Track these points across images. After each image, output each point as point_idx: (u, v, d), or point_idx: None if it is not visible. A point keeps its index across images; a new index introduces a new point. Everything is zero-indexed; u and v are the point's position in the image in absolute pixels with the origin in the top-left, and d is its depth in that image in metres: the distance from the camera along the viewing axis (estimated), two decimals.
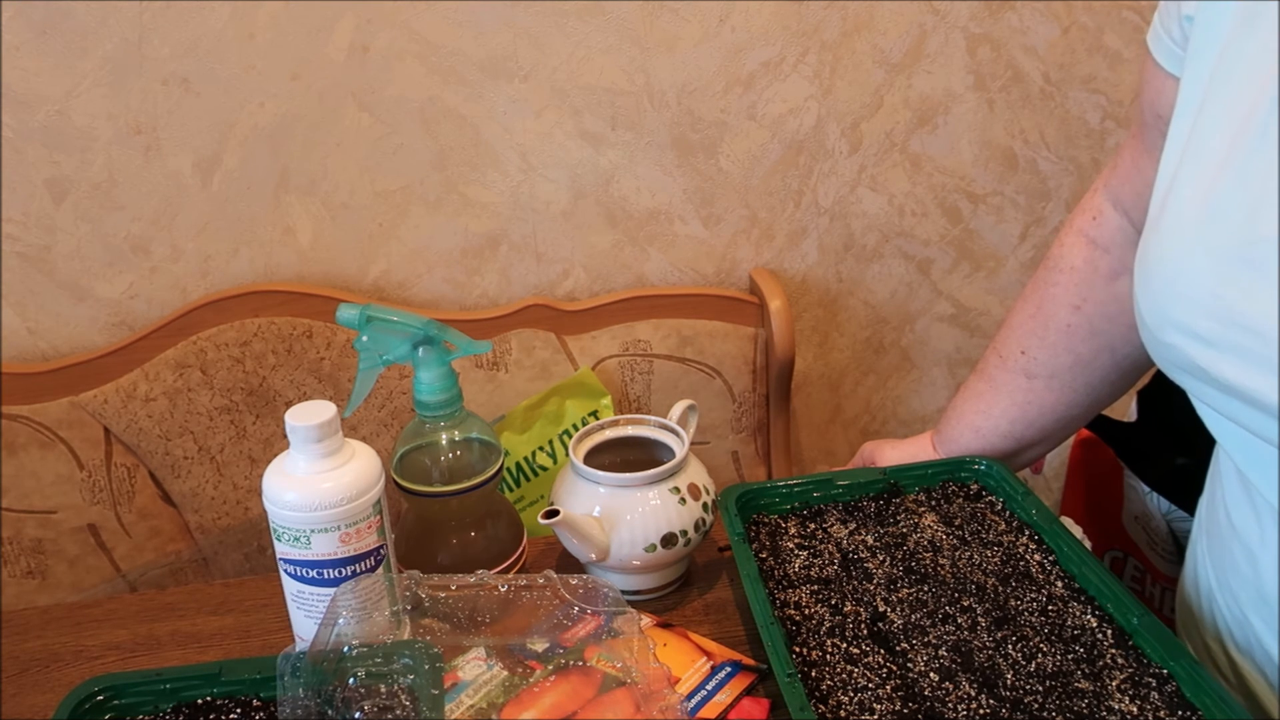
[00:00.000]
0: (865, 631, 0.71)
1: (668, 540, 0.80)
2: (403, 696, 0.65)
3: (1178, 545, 0.97)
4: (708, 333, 1.22)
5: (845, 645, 0.69)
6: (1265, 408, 0.52)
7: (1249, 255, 0.52)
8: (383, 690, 0.65)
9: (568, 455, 0.85)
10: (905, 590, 0.74)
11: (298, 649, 0.65)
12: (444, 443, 0.83)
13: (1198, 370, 0.56)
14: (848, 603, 0.73)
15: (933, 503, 0.84)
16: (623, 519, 0.80)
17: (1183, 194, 0.57)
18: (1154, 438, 1.00)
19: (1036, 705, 0.64)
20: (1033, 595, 0.73)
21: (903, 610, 0.72)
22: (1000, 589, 0.74)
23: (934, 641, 0.69)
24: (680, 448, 0.84)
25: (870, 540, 0.80)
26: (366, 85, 1.10)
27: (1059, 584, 0.74)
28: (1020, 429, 0.86)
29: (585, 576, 0.74)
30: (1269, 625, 0.64)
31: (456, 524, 0.85)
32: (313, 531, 0.70)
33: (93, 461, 1.12)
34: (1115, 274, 0.79)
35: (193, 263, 1.14)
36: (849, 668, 0.67)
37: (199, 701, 0.68)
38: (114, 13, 1.02)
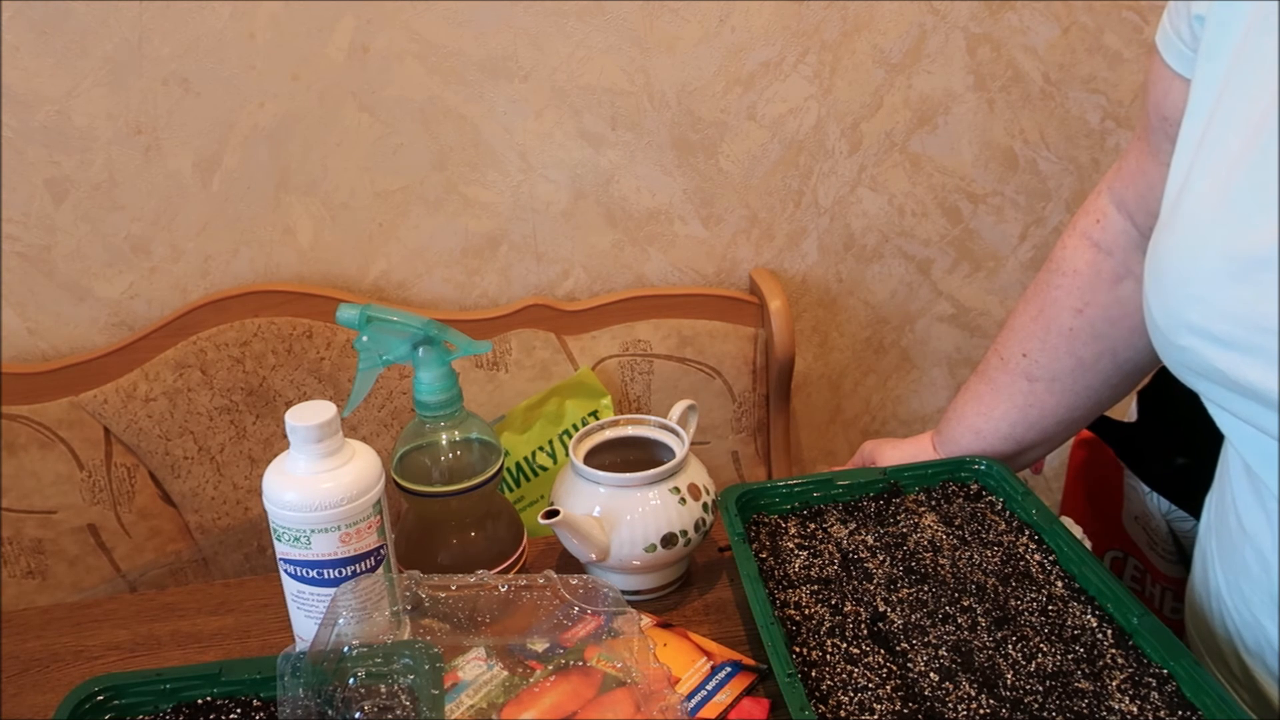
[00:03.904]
0: (865, 631, 0.71)
1: (668, 540, 0.80)
2: (403, 696, 0.65)
3: (1178, 545, 0.97)
4: (708, 333, 1.22)
5: (845, 645, 0.69)
6: None
7: (1267, 254, 0.51)
8: (383, 690, 0.65)
9: (568, 455, 0.85)
10: (905, 590, 0.74)
11: (298, 649, 0.65)
12: (444, 443, 0.83)
13: (1214, 373, 0.55)
14: (848, 603, 0.73)
15: (933, 503, 0.84)
16: (623, 519, 0.80)
17: (1196, 194, 0.57)
18: (1154, 438, 1.00)
19: (1036, 705, 0.64)
20: (1033, 595, 0.73)
21: (903, 610, 0.72)
22: (1000, 589, 0.74)
23: (934, 641, 0.69)
24: (680, 448, 0.84)
25: (870, 540, 0.80)
26: (366, 85, 1.10)
27: (1059, 584, 0.74)
28: (1021, 431, 0.86)
29: (585, 576, 0.74)
30: None
31: (456, 524, 0.85)
32: (313, 531, 0.70)
33: (93, 461, 1.12)
34: (1118, 277, 0.79)
35: (193, 263, 1.14)
36: (849, 668, 0.67)
37: (199, 701, 0.68)
38: (114, 13, 1.02)
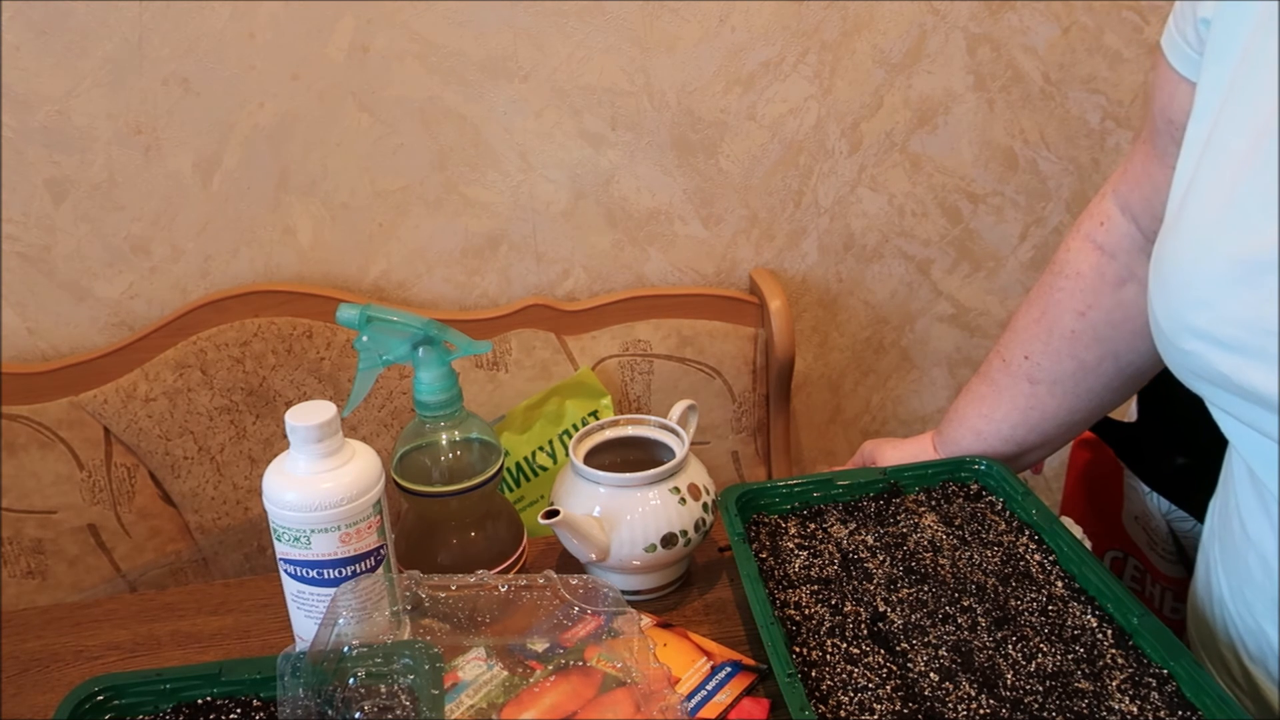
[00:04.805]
0: (865, 631, 0.71)
1: (668, 540, 0.80)
2: (403, 696, 0.65)
3: (1178, 545, 0.97)
4: (708, 333, 1.22)
5: (845, 645, 0.69)
6: None
7: (1270, 258, 0.51)
8: (383, 690, 0.65)
9: (568, 455, 0.85)
10: (905, 590, 0.74)
11: (298, 649, 0.65)
12: (444, 443, 0.83)
13: (1220, 378, 0.55)
14: (848, 603, 0.73)
15: (933, 503, 0.84)
16: (623, 519, 0.80)
17: (1202, 197, 0.56)
18: (1154, 438, 1.00)
19: (1036, 705, 0.64)
20: (1033, 595, 0.73)
21: (903, 610, 0.72)
22: (1000, 589, 0.74)
23: (934, 641, 0.69)
24: (680, 448, 0.84)
25: (870, 540, 0.80)
26: (366, 85, 1.10)
27: (1059, 584, 0.74)
28: (1022, 433, 0.86)
29: (585, 576, 0.74)
30: None
31: (456, 524, 0.85)
32: (313, 531, 0.70)
33: (93, 461, 1.12)
34: (1122, 280, 0.78)
35: (193, 263, 1.14)
36: (849, 668, 0.67)
37: (199, 701, 0.68)
38: (114, 13, 1.02)
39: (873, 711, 0.63)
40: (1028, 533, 0.80)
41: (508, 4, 1.09)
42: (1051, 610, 0.72)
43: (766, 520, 0.83)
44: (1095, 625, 0.70)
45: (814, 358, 1.34)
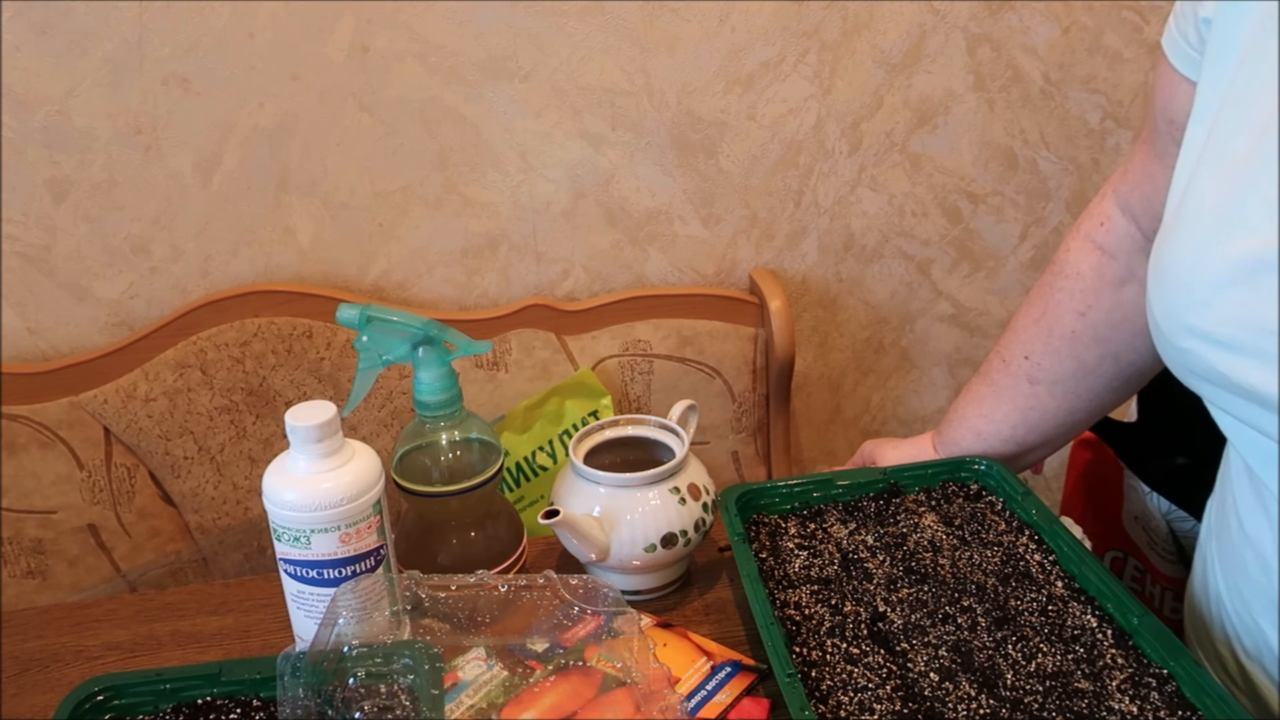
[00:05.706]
0: (865, 631, 0.71)
1: (668, 540, 0.80)
2: (403, 696, 0.65)
3: (1178, 545, 0.97)
4: (708, 333, 1.22)
5: (845, 645, 0.69)
6: None
7: (1269, 258, 0.51)
8: (383, 690, 0.65)
9: (568, 455, 0.85)
10: (905, 590, 0.74)
11: (298, 649, 0.65)
12: (444, 443, 0.83)
13: (1217, 376, 0.55)
14: (848, 603, 0.73)
15: (933, 503, 0.84)
16: (623, 519, 0.80)
17: (1201, 197, 0.56)
18: (1154, 438, 1.00)
19: (1036, 705, 0.64)
20: (1033, 595, 0.73)
21: (903, 610, 0.72)
22: (1000, 589, 0.74)
23: (934, 641, 0.69)
24: (680, 448, 0.84)
25: (870, 540, 0.80)
26: (366, 85, 1.10)
27: (1059, 584, 0.74)
28: (1022, 434, 0.86)
29: (585, 576, 0.74)
30: None
31: (456, 524, 0.85)
32: (313, 531, 0.70)
33: (93, 461, 1.12)
34: (1122, 281, 0.78)
35: (193, 263, 1.14)
36: (849, 668, 0.67)
37: (199, 701, 0.68)
38: (114, 13, 1.02)
39: (873, 711, 0.63)
40: (1028, 533, 0.80)
41: (508, 4, 1.09)
42: (1051, 610, 0.72)
43: (766, 520, 0.83)
44: (1095, 625, 0.70)
45: (814, 358, 1.34)
